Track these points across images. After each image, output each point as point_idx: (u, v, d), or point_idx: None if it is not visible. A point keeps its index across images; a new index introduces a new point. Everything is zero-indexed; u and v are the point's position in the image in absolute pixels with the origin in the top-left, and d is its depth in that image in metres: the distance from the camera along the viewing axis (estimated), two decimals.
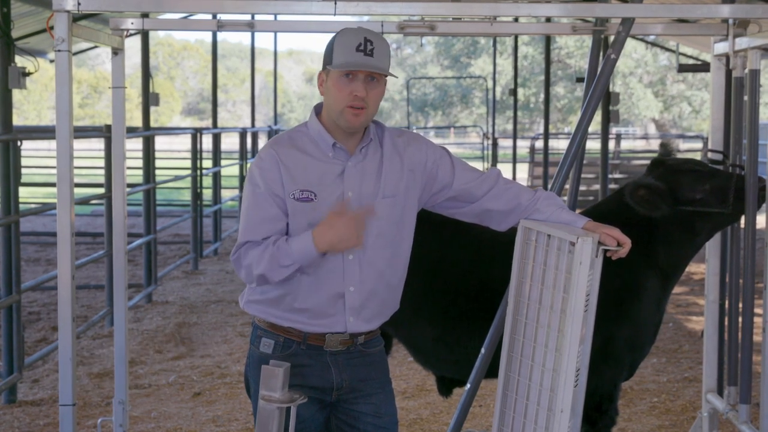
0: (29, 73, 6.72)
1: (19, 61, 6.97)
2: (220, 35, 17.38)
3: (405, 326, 4.44)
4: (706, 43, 11.98)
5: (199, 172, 12.36)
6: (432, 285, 4.40)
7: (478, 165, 17.45)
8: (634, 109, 43.87)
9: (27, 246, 13.65)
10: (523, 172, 21.85)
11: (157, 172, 13.35)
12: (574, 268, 3.20)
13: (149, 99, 10.36)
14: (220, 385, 6.83)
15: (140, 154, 10.32)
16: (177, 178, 12.18)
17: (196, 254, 12.17)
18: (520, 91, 35.26)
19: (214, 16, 5.29)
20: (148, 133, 9.96)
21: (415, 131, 5.37)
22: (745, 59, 4.62)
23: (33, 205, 16.80)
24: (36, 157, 25.09)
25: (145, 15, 8.39)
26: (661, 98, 45.07)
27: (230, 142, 25.90)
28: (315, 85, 7.14)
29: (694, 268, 11.15)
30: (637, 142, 35.18)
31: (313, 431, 3.21)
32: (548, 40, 14.12)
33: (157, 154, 10.93)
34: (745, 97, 4.67)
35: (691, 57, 16.84)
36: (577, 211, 3.94)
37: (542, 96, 25.72)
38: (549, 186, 4.75)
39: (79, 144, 26.41)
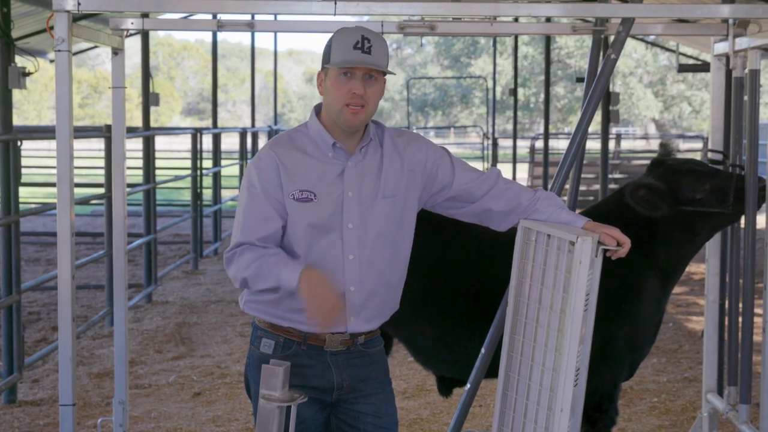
0: (29, 73, 6.72)
1: (19, 61, 6.97)
2: (220, 35, 17.39)
3: (405, 326, 4.44)
4: (706, 43, 11.98)
5: (199, 172, 12.37)
6: (432, 285, 4.40)
7: (478, 165, 17.45)
8: (634, 109, 43.87)
9: (27, 246, 13.65)
10: (523, 172, 21.85)
11: (157, 172, 13.34)
12: (574, 268, 3.20)
13: (149, 99, 10.36)
14: (220, 385, 6.83)
15: (140, 154, 10.32)
16: (177, 178, 12.19)
17: (196, 254, 12.17)
18: (520, 91, 35.23)
19: (214, 16, 5.29)
20: (148, 133, 9.96)
21: (415, 131, 5.37)
22: (745, 59, 4.62)
23: (33, 205, 16.79)
24: (36, 157, 25.10)
25: (145, 15, 8.39)
26: (661, 98, 45.07)
27: (230, 142, 25.90)
28: (315, 85, 7.15)
29: (694, 268, 11.15)
30: (637, 142, 35.18)
31: (313, 431, 3.21)
32: (548, 40, 14.13)
33: (157, 154, 10.92)
34: (745, 97, 4.67)
35: (691, 57, 16.84)
36: (577, 211, 3.94)
37: (542, 96, 25.72)
38: (549, 186, 4.75)
39: (79, 144, 26.40)
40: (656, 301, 4.35)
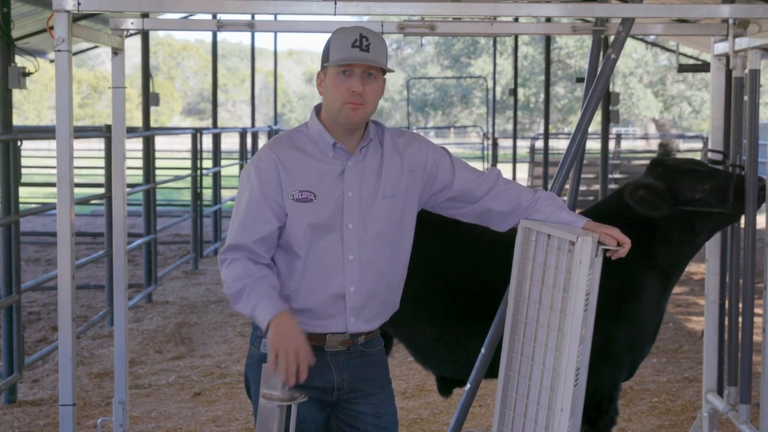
0: (29, 73, 6.72)
1: (19, 61, 6.97)
2: (220, 35, 17.38)
3: (405, 326, 4.44)
4: (706, 43, 11.98)
5: (199, 172, 12.37)
6: (432, 285, 4.40)
7: (478, 165, 17.46)
8: (634, 109, 43.87)
9: (27, 246, 13.65)
10: (523, 172, 21.85)
11: (157, 172, 13.35)
12: (574, 268, 3.20)
13: (149, 99, 10.36)
14: (220, 385, 6.83)
15: (140, 154, 10.32)
16: (177, 178, 12.19)
17: (196, 254, 12.17)
18: (520, 91, 35.22)
19: (214, 16, 5.29)
20: (148, 133, 9.96)
21: (415, 131, 5.37)
22: (745, 59, 4.62)
23: (33, 205, 16.80)
24: (36, 157, 25.09)
25: (145, 15, 8.39)
26: (661, 98, 45.07)
27: (230, 142, 25.90)
28: (315, 85, 7.15)
29: (694, 268, 11.15)
30: (637, 142, 35.18)
31: (313, 431, 3.21)
32: (548, 40, 14.13)
33: (157, 154, 10.93)
34: (745, 97, 4.67)
35: (691, 57, 16.84)
36: (577, 211, 3.94)
37: (542, 96, 25.72)
38: (549, 186, 4.75)
39: (79, 144, 26.39)
40: (656, 301, 4.35)
